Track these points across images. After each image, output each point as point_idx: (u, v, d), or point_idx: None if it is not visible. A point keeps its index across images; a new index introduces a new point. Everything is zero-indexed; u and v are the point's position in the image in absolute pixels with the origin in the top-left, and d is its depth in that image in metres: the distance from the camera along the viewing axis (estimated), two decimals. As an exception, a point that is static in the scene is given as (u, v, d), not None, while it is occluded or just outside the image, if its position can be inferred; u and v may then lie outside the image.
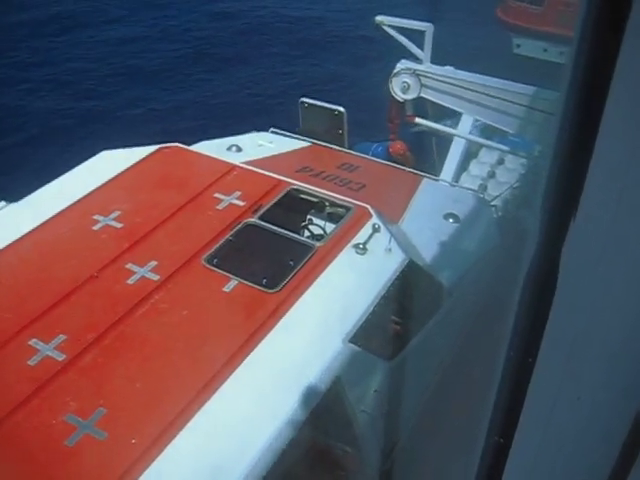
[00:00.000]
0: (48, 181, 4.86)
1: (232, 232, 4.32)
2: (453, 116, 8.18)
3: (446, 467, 3.76)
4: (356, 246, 4.28)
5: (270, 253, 4.31)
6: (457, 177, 8.01)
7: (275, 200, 4.68)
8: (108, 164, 5.02)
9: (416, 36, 7.58)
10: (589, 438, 0.93)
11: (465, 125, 7.92)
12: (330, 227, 4.88)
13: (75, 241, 4.27)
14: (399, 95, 7.81)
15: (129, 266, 3.99)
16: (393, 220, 5.11)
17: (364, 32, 15.33)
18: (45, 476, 2.94)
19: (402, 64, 7.72)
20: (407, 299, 4.53)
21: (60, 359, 3.37)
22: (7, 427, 3.04)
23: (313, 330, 3.77)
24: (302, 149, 6.83)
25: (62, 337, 3.49)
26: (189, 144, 5.68)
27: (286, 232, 4.38)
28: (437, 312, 4.78)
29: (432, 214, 5.54)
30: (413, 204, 5.66)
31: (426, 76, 7.61)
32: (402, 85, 7.72)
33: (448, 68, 7.68)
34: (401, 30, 7.60)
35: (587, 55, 0.75)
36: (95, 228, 4.33)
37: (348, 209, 4.70)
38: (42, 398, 3.18)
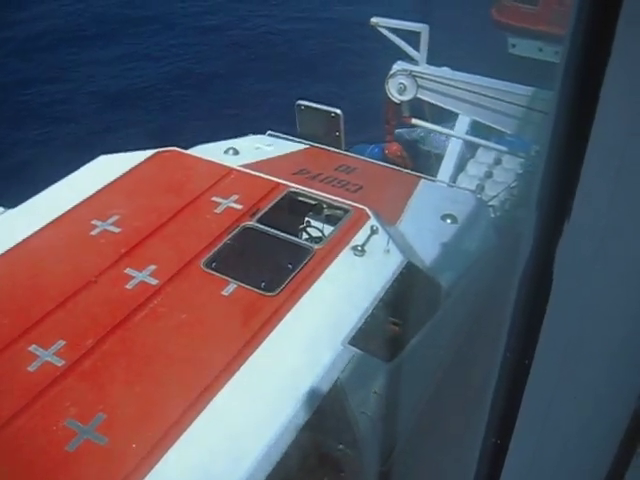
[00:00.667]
0: (46, 186, 4.87)
1: (230, 235, 4.32)
2: (449, 120, 8.19)
3: (445, 468, 3.76)
4: (354, 248, 4.28)
5: (268, 256, 4.32)
6: (454, 177, 8.02)
7: (273, 203, 4.69)
8: (106, 169, 5.03)
9: (412, 37, 7.59)
10: (586, 439, 0.93)
11: (462, 126, 7.93)
12: (328, 229, 4.88)
13: (73, 246, 4.27)
14: (395, 96, 7.82)
15: (128, 271, 3.99)
16: (391, 221, 5.12)
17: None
18: None
19: (398, 65, 7.73)
20: (406, 300, 4.54)
21: (60, 365, 3.37)
22: (7, 433, 3.04)
23: (312, 333, 3.77)
24: (299, 151, 6.83)
25: (61, 343, 3.49)
26: (186, 148, 5.68)
27: (284, 235, 4.38)
28: (436, 313, 4.78)
29: (430, 215, 5.54)
30: (411, 205, 5.67)
31: (422, 77, 7.62)
32: (398, 86, 7.73)
33: (444, 69, 7.70)
34: (396, 31, 7.61)
35: (580, 53, 0.76)
36: (93, 233, 4.33)
37: (346, 211, 4.70)
38: (42, 404, 3.18)
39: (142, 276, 3.94)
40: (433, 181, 6.91)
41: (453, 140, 8.20)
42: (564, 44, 0.77)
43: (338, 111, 7.06)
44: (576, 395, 0.89)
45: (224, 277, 3.96)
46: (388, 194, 5.97)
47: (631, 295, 0.84)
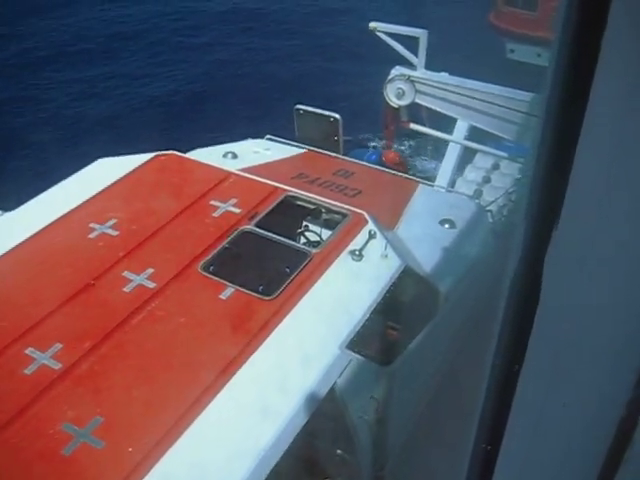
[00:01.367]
0: (44, 189, 4.88)
1: (228, 239, 4.33)
2: (447, 127, 8.20)
3: (442, 474, 3.76)
4: (352, 252, 4.29)
5: (266, 260, 4.32)
6: (452, 182, 8.03)
7: (271, 207, 4.70)
8: (104, 172, 5.04)
9: (410, 42, 7.61)
10: (576, 444, 0.94)
11: (460, 131, 7.95)
12: (326, 234, 4.89)
13: (71, 249, 4.28)
14: (394, 101, 7.84)
15: (125, 274, 4.00)
16: (389, 226, 5.13)
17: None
18: None
19: (396, 70, 7.75)
20: (403, 305, 4.54)
21: (56, 368, 3.37)
22: (4, 436, 3.04)
23: (310, 337, 3.78)
24: (298, 156, 6.85)
25: (58, 346, 3.49)
26: (185, 152, 5.69)
27: (282, 239, 4.39)
28: (433, 317, 4.79)
29: (428, 220, 5.55)
30: (409, 210, 5.68)
31: (421, 82, 7.64)
32: (397, 91, 7.75)
33: (443, 74, 7.72)
34: (395, 36, 7.64)
35: (568, 60, 0.76)
36: (91, 236, 4.33)
37: (344, 215, 4.71)
38: (39, 407, 3.18)
39: (140, 279, 3.95)
40: (431, 186, 6.92)
41: (451, 145, 8.21)
42: (552, 51, 0.78)
43: (337, 116, 7.08)
44: (565, 402, 0.90)
45: (222, 281, 3.96)
46: (386, 199, 5.98)
47: (619, 301, 0.84)
